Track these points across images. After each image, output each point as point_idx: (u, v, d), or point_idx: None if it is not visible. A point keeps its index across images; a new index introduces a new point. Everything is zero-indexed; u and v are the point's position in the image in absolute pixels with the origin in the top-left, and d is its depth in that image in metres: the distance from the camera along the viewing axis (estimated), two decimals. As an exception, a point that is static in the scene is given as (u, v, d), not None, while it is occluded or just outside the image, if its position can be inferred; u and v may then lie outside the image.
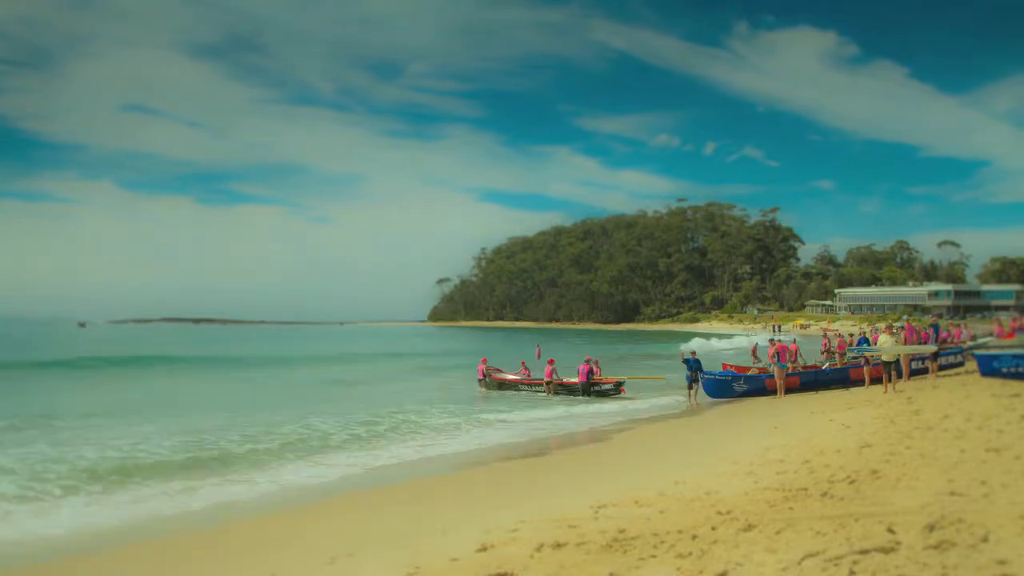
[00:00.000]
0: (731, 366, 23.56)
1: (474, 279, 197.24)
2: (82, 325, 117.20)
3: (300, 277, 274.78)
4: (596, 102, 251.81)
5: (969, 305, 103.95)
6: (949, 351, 19.81)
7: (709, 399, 19.95)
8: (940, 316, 56.91)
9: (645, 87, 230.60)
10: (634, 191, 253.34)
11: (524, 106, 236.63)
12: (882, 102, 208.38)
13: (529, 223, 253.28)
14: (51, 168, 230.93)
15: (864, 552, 4.22)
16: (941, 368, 18.41)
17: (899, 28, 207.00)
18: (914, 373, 17.64)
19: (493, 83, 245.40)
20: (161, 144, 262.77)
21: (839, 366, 20.47)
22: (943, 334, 21.28)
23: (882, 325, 32.09)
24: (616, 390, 22.10)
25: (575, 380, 22.51)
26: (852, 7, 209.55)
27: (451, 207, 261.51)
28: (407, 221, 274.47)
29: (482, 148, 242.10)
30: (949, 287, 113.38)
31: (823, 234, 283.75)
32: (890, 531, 4.56)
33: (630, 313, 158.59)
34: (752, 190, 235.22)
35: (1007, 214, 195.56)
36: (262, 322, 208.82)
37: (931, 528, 4.47)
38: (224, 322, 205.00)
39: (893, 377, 15.92)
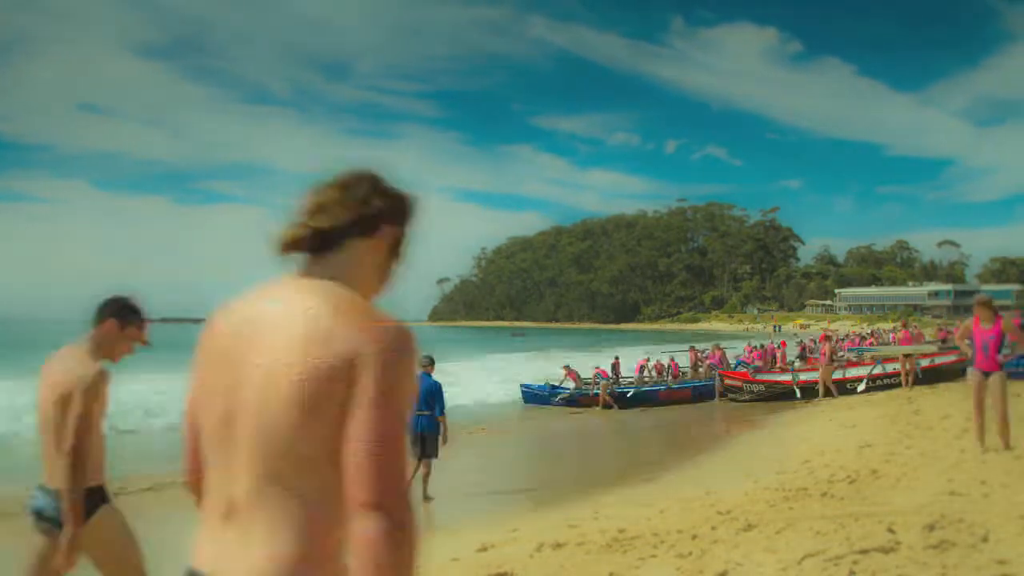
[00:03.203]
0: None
1: (474, 279, 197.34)
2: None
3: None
4: (549, 101, 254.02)
5: (969, 305, 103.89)
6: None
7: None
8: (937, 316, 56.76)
9: (594, 86, 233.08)
10: (608, 191, 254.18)
11: (479, 105, 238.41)
12: (836, 100, 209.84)
13: (509, 223, 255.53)
14: (20, 168, 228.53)
15: (864, 552, 4.22)
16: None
17: (840, 25, 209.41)
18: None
19: (445, 83, 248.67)
20: (125, 144, 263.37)
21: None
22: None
23: (887, 326, 31.81)
24: None
25: None
26: (790, 3, 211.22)
27: (430, 207, 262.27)
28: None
29: (445, 147, 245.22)
30: (949, 287, 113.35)
31: (800, 234, 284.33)
32: (890, 531, 4.56)
33: (630, 313, 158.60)
34: (723, 189, 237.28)
35: (981, 213, 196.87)
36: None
37: (931, 528, 4.47)
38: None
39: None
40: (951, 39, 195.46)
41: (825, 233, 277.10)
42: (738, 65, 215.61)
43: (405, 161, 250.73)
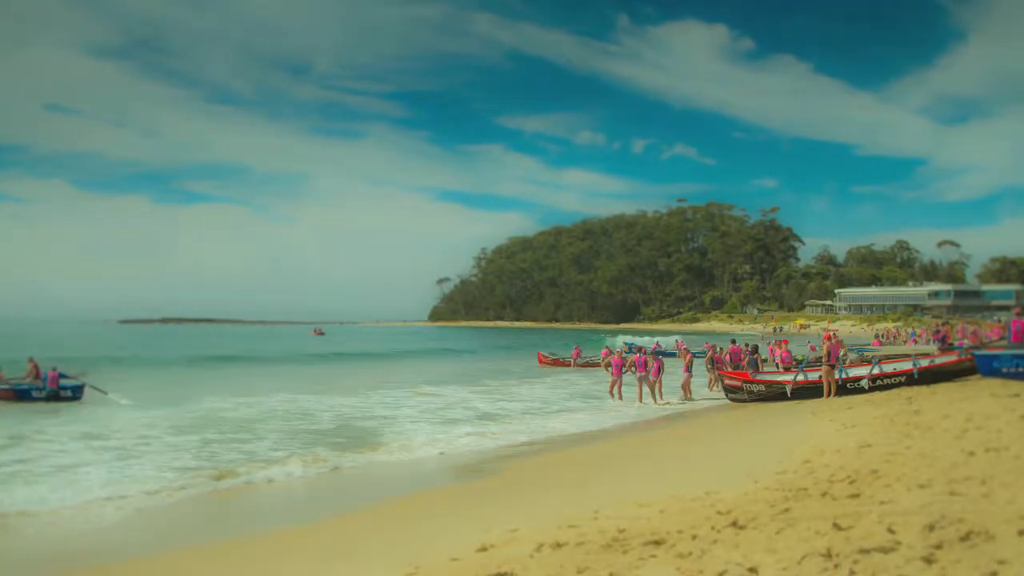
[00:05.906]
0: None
1: (474, 279, 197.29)
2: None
3: (276, 277, 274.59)
4: (510, 101, 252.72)
5: (969, 305, 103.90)
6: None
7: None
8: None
9: (552, 84, 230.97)
10: (587, 191, 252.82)
11: (443, 105, 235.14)
12: (798, 98, 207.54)
13: (493, 223, 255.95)
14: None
15: (864, 552, 4.22)
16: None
17: (790, 22, 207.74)
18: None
19: (406, 82, 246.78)
20: (97, 144, 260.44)
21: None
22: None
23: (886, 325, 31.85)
24: None
25: None
26: (736, 1, 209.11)
27: (411, 208, 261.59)
28: (373, 221, 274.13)
29: (414, 147, 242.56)
30: (949, 287, 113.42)
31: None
32: (890, 531, 4.55)
33: (630, 313, 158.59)
34: (700, 188, 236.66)
35: (962, 213, 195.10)
36: (260, 322, 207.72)
37: (931, 528, 4.46)
38: (222, 322, 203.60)
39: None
40: (903, 37, 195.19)
41: (810, 232, 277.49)
42: (691, 63, 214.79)
43: (375, 160, 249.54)
